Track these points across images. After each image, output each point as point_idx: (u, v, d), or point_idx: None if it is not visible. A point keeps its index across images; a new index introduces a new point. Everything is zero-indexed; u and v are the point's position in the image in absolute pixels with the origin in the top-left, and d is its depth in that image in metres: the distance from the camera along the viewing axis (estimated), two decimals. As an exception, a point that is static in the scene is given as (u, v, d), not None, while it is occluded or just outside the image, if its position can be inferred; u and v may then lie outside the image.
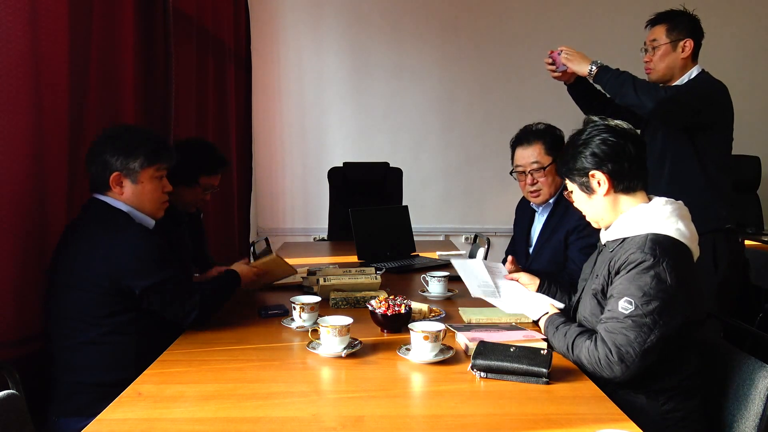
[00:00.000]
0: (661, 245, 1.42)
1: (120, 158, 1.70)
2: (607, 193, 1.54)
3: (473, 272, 2.03)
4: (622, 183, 1.54)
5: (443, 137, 4.68)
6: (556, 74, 2.54)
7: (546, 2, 4.63)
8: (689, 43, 2.44)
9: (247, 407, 1.26)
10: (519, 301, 1.85)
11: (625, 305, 1.40)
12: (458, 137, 4.70)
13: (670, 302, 1.39)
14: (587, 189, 1.58)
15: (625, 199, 1.55)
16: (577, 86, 2.61)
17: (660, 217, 1.48)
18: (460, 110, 4.69)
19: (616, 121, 1.58)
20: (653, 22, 2.52)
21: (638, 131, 1.59)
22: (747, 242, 3.41)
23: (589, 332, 1.49)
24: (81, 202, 1.91)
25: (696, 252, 1.51)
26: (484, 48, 4.64)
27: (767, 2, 4.66)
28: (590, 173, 1.55)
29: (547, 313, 1.69)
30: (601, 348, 1.40)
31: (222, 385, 1.39)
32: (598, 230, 1.69)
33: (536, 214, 2.35)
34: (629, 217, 1.53)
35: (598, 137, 1.54)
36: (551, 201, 2.23)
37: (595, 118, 1.59)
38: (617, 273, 1.47)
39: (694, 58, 2.49)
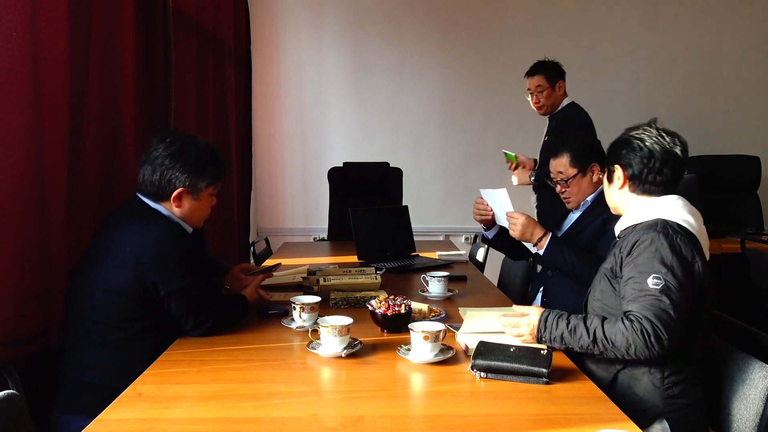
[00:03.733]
0: (671, 226, 1.51)
1: (189, 176, 1.75)
2: (621, 188, 1.67)
3: (499, 203, 2.23)
4: (638, 187, 1.63)
5: (443, 137, 4.69)
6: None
7: (546, 2, 4.63)
8: (562, 83, 3.30)
9: (247, 407, 1.26)
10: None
11: (655, 282, 1.44)
12: (458, 137, 4.71)
13: (690, 272, 1.47)
14: (608, 177, 1.72)
15: (637, 197, 1.65)
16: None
17: (670, 207, 1.56)
18: (461, 110, 4.69)
19: (671, 136, 1.62)
20: (533, 73, 3.32)
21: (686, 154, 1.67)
22: (747, 242, 3.41)
23: (614, 317, 1.48)
24: (81, 202, 1.92)
25: (705, 247, 1.56)
26: (484, 47, 4.64)
27: (767, 2, 4.66)
28: (614, 165, 1.67)
29: (542, 309, 1.62)
30: (647, 324, 1.40)
31: (222, 385, 1.39)
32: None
33: (571, 212, 2.34)
34: (640, 207, 1.62)
35: (640, 141, 1.62)
36: (589, 199, 2.22)
37: (655, 124, 1.66)
38: (629, 253, 1.52)
39: (565, 92, 3.33)
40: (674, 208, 1.56)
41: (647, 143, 1.60)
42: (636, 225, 1.58)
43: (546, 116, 3.38)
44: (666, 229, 1.50)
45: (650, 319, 1.40)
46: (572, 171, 2.19)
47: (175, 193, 1.74)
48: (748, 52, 4.67)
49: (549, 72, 3.27)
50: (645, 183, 1.61)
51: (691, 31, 4.67)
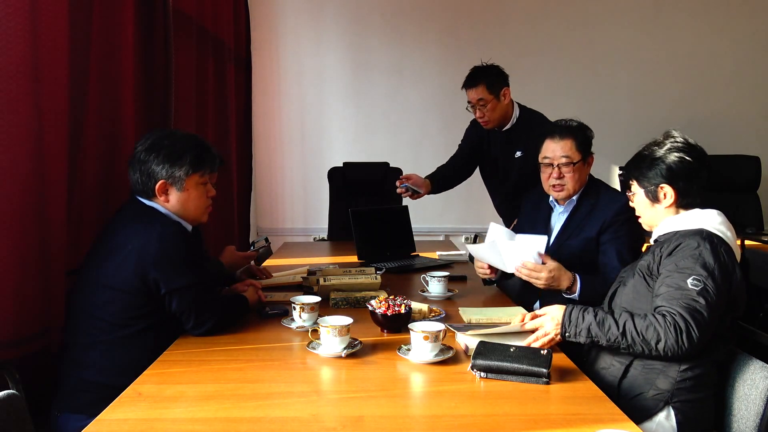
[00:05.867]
0: (716, 236, 1.54)
1: (165, 166, 1.73)
2: (670, 206, 1.66)
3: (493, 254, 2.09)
4: (686, 200, 1.65)
5: (443, 137, 4.67)
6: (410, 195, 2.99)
7: (546, 2, 4.63)
8: (507, 90, 2.86)
9: (247, 407, 1.26)
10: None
11: (694, 282, 1.47)
12: (459, 137, 4.66)
13: (729, 276, 1.49)
14: (653, 197, 1.68)
15: (682, 211, 1.67)
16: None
17: (711, 220, 1.59)
18: (461, 110, 4.64)
19: (694, 140, 1.67)
20: (471, 85, 2.84)
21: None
22: (747, 242, 3.41)
23: (643, 312, 1.51)
24: (81, 202, 1.92)
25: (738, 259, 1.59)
26: (484, 48, 4.63)
27: (767, 2, 4.66)
28: (660, 185, 1.65)
29: (565, 306, 1.62)
30: (680, 321, 1.43)
31: (222, 385, 1.39)
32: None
33: (554, 211, 2.29)
34: (683, 217, 1.64)
35: (677, 153, 1.64)
36: (575, 198, 2.20)
37: (676, 134, 1.69)
38: (670, 254, 1.55)
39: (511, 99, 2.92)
40: (714, 221, 1.59)
41: (686, 155, 1.63)
42: (678, 231, 1.61)
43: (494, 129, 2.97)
44: (711, 237, 1.54)
45: (684, 316, 1.43)
46: (578, 155, 2.15)
47: (157, 187, 1.73)
48: (748, 52, 4.67)
49: (490, 80, 2.82)
50: (693, 196, 1.65)
51: (691, 31, 4.67)
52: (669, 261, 1.54)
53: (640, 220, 1.78)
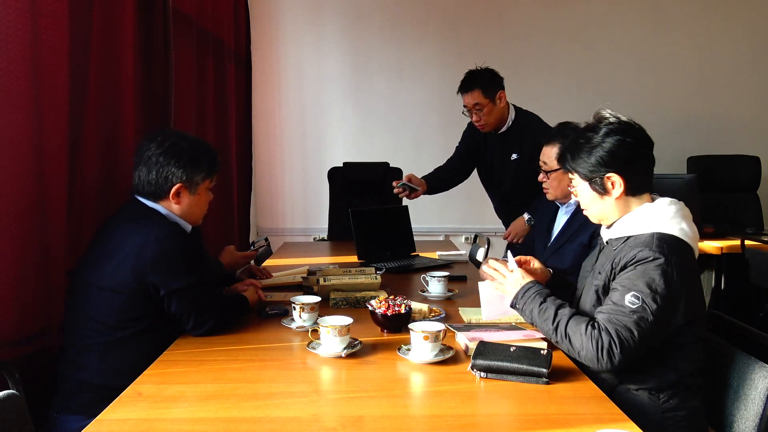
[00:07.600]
0: (668, 244, 1.44)
1: (185, 170, 1.74)
2: (620, 196, 1.53)
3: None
4: (635, 186, 1.53)
5: (443, 137, 4.67)
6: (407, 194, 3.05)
7: (546, 2, 4.63)
8: (503, 93, 2.91)
9: (247, 407, 1.26)
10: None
11: (632, 299, 1.40)
12: (458, 137, 4.68)
13: (675, 300, 1.41)
14: (601, 189, 1.55)
15: (633, 201, 1.55)
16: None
17: (665, 216, 1.49)
18: (461, 109, 4.68)
19: (628, 117, 1.55)
20: (467, 90, 2.90)
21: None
22: (747, 242, 3.41)
23: (586, 317, 1.47)
24: (81, 202, 1.92)
25: (697, 251, 1.53)
26: (484, 47, 4.64)
27: (767, 2, 4.66)
28: (606, 175, 1.52)
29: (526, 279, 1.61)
30: (605, 336, 1.38)
31: (222, 385, 1.39)
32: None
33: (559, 211, 2.32)
34: (634, 216, 1.53)
35: (614, 135, 1.51)
36: (573, 201, 2.15)
37: (607, 113, 1.55)
38: (623, 269, 1.46)
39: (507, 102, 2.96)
40: (668, 217, 1.48)
41: (625, 137, 1.50)
42: (629, 237, 1.51)
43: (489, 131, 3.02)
44: (663, 248, 1.42)
45: (610, 333, 1.38)
46: (557, 165, 2.13)
47: (173, 190, 1.74)
48: (748, 52, 4.67)
49: (485, 85, 2.86)
50: (642, 181, 1.53)
51: (691, 31, 4.67)
52: (622, 275, 1.46)
53: (586, 213, 1.64)
